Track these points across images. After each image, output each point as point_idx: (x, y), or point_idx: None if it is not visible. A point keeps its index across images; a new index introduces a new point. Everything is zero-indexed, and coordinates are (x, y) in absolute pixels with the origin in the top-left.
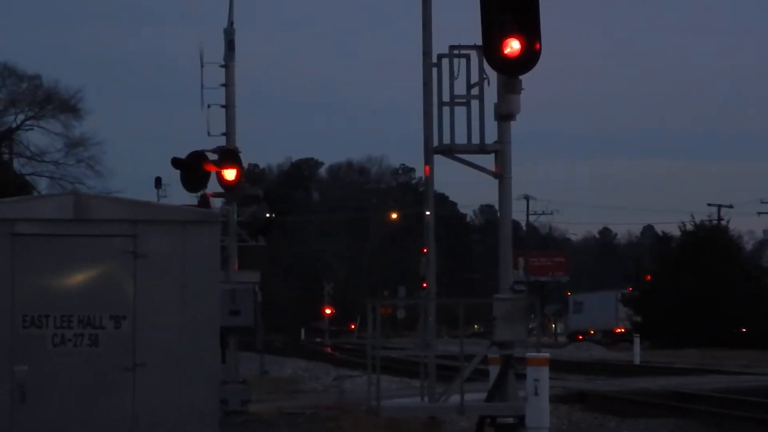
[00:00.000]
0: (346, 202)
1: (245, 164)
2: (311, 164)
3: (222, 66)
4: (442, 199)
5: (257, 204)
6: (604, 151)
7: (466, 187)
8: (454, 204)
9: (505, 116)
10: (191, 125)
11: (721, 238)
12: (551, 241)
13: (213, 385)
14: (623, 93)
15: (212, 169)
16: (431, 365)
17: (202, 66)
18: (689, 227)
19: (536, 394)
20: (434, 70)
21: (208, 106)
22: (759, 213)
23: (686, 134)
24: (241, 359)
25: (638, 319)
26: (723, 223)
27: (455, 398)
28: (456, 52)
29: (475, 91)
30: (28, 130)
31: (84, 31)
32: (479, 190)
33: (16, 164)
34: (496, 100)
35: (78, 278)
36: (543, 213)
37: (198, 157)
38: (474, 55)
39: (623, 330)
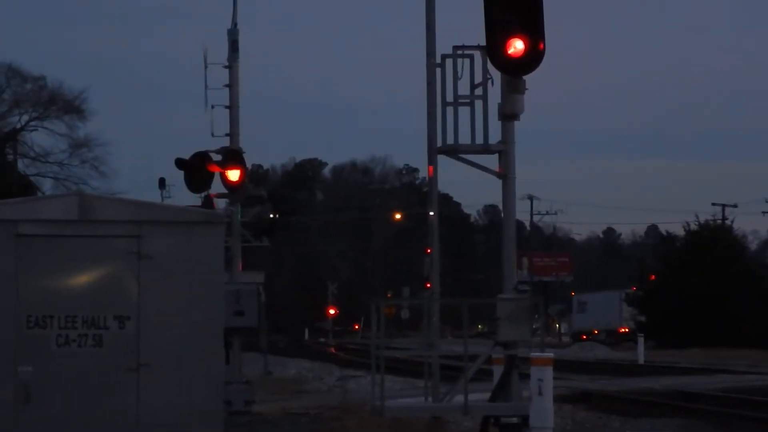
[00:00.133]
0: (349, 202)
1: (249, 165)
2: (315, 165)
3: (226, 67)
4: (445, 200)
5: (261, 204)
6: (608, 151)
7: (469, 188)
8: (458, 204)
9: (508, 116)
10: (195, 126)
11: (725, 238)
12: (555, 241)
13: (217, 386)
14: (628, 92)
15: (216, 169)
16: (435, 365)
17: (205, 67)
18: (693, 227)
19: (540, 394)
20: (438, 70)
21: (212, 107)
22: (763, 212)
23: (691, 134)
24: (244, 360)
25: (642, 318)
26: (727, 222)
27: (459, 398)
28: (460, 52)
29: (478, 91)
30: (32, 130)
31: (88, 32)
32: (483, 190)
33: (21, 165)
34: (499, 100)
35: (82, 279)
36: (547, 213)
37: (202, 157)
38: (478, 55)
39: (627, 330)
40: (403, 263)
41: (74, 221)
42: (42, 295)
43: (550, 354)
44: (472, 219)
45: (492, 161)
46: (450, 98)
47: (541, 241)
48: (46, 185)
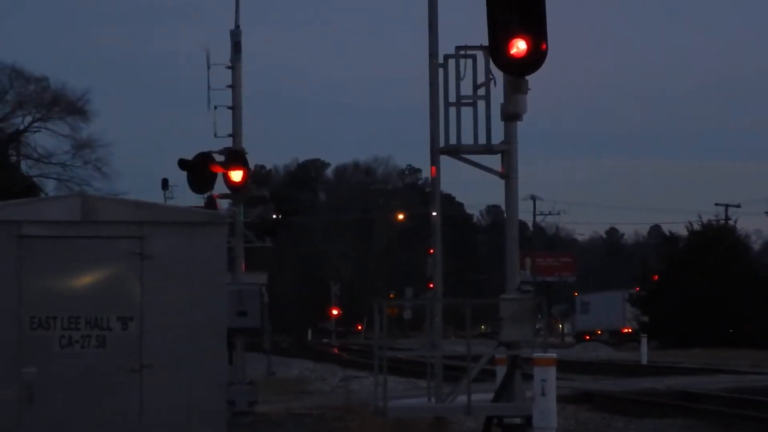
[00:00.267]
0: (352, 202)
1: (252, 165)
2: (317, 165)
3: (228, 67)
4: (448, 200)
5: (264, 205)
6: (610, 151)
7: (472, 188)
8: (461, 204)
9: (511, 116)
10: (198, 127)
11: (728, 238)
12: (558, 242)
13: (220, 386)
14: (631, 92)
15: (219, 170)
16: (438, 366)
17: (208, 67)
18: (696, 227)
19: (543, 394)
20: (441, 70)
21: (215, 108)
22: (766, 212)
23: (693, 134)
24: (247, 360)
25: (645, 319)
26: (730, 222)
27: (462, 399)
28: (462, 52)
29: (481, 91)
30: (35, 132)
31: (91, 33)
32: (486, 190)
33: (24, 166)
34: (502, 101)
35: (85, 280)
36: (550, 213)
37: (204, 158)
38: (480, 55)
39: (630, 330)
40: (406, 264)
41: (77, 222)
42: (45, 296)
43: (553, 354)
44: (474, 219)
45: (495, 161)
46: (452, 98)
47: (543, 241)
48: (49, 186)
